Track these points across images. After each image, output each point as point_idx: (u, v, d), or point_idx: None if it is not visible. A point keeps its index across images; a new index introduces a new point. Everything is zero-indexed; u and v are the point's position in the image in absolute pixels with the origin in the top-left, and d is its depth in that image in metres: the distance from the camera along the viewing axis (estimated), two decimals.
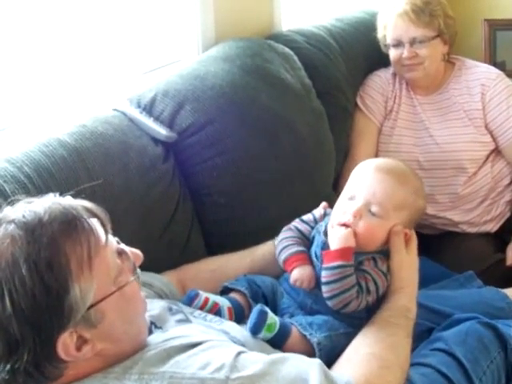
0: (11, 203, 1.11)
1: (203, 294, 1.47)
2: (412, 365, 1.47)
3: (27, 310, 1.00)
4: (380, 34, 2.47)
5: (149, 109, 1.84)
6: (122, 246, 1.16)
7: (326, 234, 1.50)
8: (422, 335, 1.63)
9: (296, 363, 1.19)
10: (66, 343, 1.04)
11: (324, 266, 1.43)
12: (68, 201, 1.11)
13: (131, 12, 2.07)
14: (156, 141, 1.79)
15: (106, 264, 1.09)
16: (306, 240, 1.56)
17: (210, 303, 1.46)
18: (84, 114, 1.71)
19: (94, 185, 1.48)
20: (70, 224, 1.06)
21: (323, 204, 1.65)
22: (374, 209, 1.47)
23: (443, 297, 1.81)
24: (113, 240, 1.14)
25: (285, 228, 1.60)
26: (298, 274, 1.48)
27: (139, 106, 1.84)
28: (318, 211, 1.62)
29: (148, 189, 1.69)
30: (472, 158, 2.40)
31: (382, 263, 1.48)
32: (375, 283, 1.45)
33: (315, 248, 1.52)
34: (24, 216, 1.05)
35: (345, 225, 1.45)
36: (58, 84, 1.85)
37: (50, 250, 1.02)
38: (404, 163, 1.62)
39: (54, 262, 1.02)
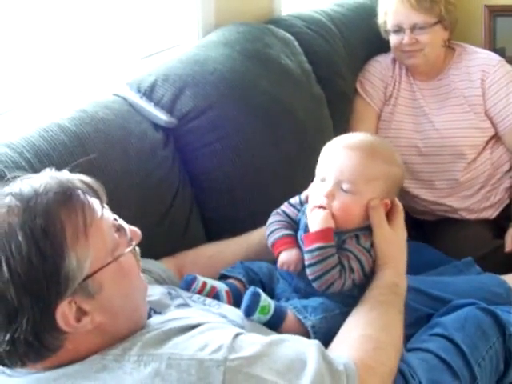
0: (10, 180, 1.12)
1: (201, 279, 1.47)
2: (411, 350, 1.48)
3: (24, 275, 1.01)
4: (380, 20, 2.46)
5: (149, 94, 1.83)
6: (120, 221, 1.17)
7: None
8: (421, 321, 1.64)
9: (294, 344, 1.19)
10: (65, 313, 1.05)
11: (305, 248, 1.44)
12: (64, 175, 1.13)
13: None
14: (156, 126, 1.79)
15: (103, 235, 1.10)
16: (294, 223, 1.56)
17: (207, 287, 1.46)
18: (84, 99, 1.71)
19: (93, 168, 1.49)
20: (65, 194, 1.07)
21: (311, 185, 1.63)
22: (345, 186, 1.45)
23: (442, 283, 1.81)
24: (109, 215, 1.15)
25: (273, 212, 1.60)
26: (285, 258, 1.48)
27: (139, 91, 1.84)
28: (305, 193, 1.61)
29: (148, 174, 1.69)
30: (471, 144, 2.40)
31: (365, 240, 1.47)
32: (359, 261, 1.44)
33: (300, 231, 1.52)
34: (21, 189, 1.07)
35: (321, 207, 1.45)
36: (58, 68, 1.84)
37: (46, 217, 1.03)
38: (371, 135, 1.61)
39: (49, 228, 1.03)
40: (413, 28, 2.33)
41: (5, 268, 1.01)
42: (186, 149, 1.84)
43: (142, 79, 1.87)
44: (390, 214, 1.51)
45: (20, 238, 1.01)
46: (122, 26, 2.04)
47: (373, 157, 1.48)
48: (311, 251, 1.42)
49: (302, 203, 1.59)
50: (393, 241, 1.48)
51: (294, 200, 1.61)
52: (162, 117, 1.80)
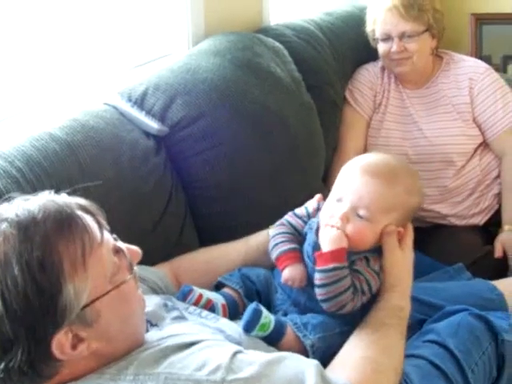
0: (7, 200, 1.09)
1: (197, 290, 1.46)
2: (405, 356, 1.48)
3: (20, 310, 0.99)
4: (369, 28, 2.48)
5: (140, 103, 1.84)
6: (120, 243, 1.15)
7: (317, 233, 1.47)
8: (413, 327, 1.64)
9: (292, 364, 1.17)
10: (60, 342, 1.03)
11: (318, 268, 1.40)
12: (63, 198, 1.10)
13: (121, 6, 2.06)
14: (148, 134, 1.79)
15: (102, 263, 1.08)
16: (299, 235, 1.53)
17: (203, 300, 1.45)
18: (75, 108, 1.70)
19: (84, 177, 1.48)
20: (63, 223, 1.04)
21: (317, 196, 1.61)
22: (361, 212, 1.43)
23: (433, 289, 1.82)
24: (109, 238, 1.13)
25: (278, 222, 1.57)
26: (289, 274, 1.46)
27: (130, 100, 1.84)
28: (312, 205, 1.58)
29: (140, 182, 1.69)
30: (460, 151, 2.41)
31: (374, 262, 1.45)
32: (368, 283, 1.43)
33: (307, 247, 1.49)
34: (17, 214, 1.04)
35: (333, 227, 1.42)
36: (48, 78, 1.84)
37: (43, 249, 1.01)
38: (395, 159, 1.55)
39: (46, 261, 1.01)
40: (401, 36, 2.35)
41: (0, 302, 0.99)
42: (177, 157, 1.84)
43: (133, 88, 1.87)
44: (400, 238, 1.49)
45: (16, 272, 0.99)
46: (113, 36, 2.04)
47: (394, 187, 1.45)
48: (325, 271, 1.39)
49: (309, 215, 1.56)
50: (402, 264, 1.47)
51: (301, 211, 1.58)
52: (153, 125, 1.80)
